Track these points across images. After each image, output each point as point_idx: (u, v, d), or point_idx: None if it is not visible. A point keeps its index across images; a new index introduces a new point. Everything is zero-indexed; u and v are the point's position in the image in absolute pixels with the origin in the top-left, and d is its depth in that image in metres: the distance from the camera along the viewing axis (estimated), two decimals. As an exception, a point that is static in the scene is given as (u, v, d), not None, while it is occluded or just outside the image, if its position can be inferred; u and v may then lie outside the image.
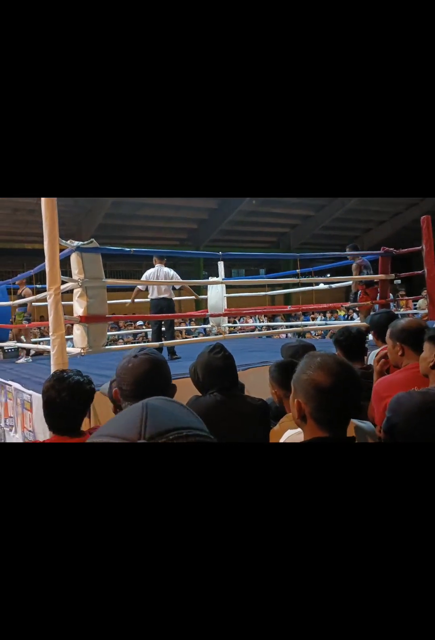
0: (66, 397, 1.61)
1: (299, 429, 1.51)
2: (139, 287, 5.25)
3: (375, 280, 5.47)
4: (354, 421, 1.58)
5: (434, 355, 1.65)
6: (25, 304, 5.93)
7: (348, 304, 5.45)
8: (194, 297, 6.16)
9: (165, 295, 5.03)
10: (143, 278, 5.12)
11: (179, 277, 5.20)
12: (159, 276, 5.01)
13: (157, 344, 4.72)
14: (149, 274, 5.09)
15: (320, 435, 1.12)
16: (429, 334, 1.75)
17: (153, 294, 5.06)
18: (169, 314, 5.04)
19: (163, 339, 5.06)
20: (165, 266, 5.11)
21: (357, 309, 5.60)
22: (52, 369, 2.98)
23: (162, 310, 4.98)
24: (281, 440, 1.52)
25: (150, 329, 5.33)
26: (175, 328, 6.43)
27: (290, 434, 1.50)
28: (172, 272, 5.12)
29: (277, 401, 1.89)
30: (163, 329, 5.23)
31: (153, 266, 5.14)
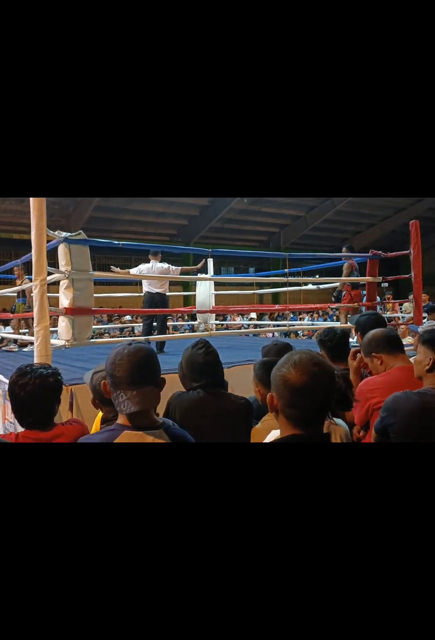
0: (31, 392, 1.59)
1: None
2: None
3: (361, 283, 5.52)
4: (336, 421, 1.58)
5: (429, 359, 1.67)
6: (24, 295, 5.88)
7: (335, 305, 5.47)
8: (194, 268, 5.98)
9: (160, 290, 5.09)
10: (136, 271, 5.15)
11: (173, 268, 5.25)
12: (154, 272, 5.06)
13: (142, 338, 4.73)
14: (142, 268, 5.14)
15: (295, 432, 1.13)
16: (424, 337, 1.76)
17: (146, 288, 5.11)
18: (157, 309, 5.04)
19: (153, 333, 5.09)
20: (159, 262, 5.16)
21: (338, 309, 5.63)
22: (35, 361, 2.96)
23: (155, 305, 5.02)
24: (267, 440, 1.51)
25: (137, 324, 5.29)
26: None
27: (276, 433, 1.50)
28: (166, 265, 5.18)
29: (261, 400, 1.89)
30: (154, 323, 5.25)
31: (147, 262, 5.18)
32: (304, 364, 1.13)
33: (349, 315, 5.76)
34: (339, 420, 1.60)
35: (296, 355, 1.16)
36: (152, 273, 5.05)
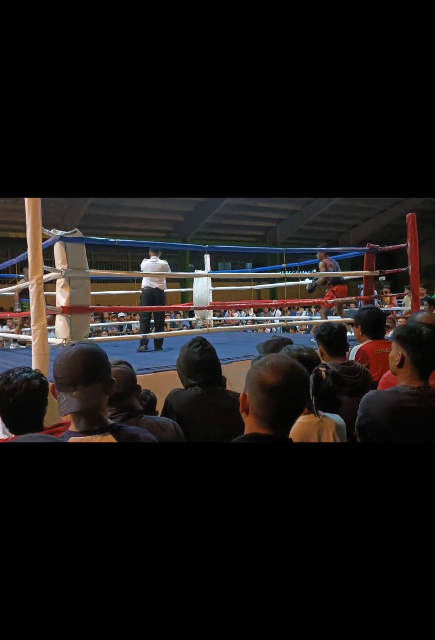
0: (18, 397, 1.55)
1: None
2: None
3: (344, 278, 5.56)
4: (328, 415, 1.58)
5: (399, 354, 1.65)
6: None
7: (332, 300, 5.46)
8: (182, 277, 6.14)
9: (158, 286, 5.12)
10: (141, 268, 5.25)
11: (170, 270, 5.36)
12: (155, 269, 5.11)
13: (140, 335, 4.73)
14: (144, 265, 5.22)
15: (260, 432, 1.16)
16: (396, 332, 1.74)
17: (146, 283, 5.15)
18: (155, 306, 5.04)
19: (151, 330, 5.10)
20: (160, 259, 5.24)
21: (318, 305, 5.66)
22: (33, 360, 2.95)
23: (154, 300, 5.06)
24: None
25: (135, 321, 5.29)
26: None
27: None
28: (165, 263, 5.25)
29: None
30: (152, 320, 5.27)
31: (148, 258, 5.25)
32: (279, 364, 1.17)
33: (344, 310, 5.77)
34: (331, 415, 1.60)
35: (273, 357, 1.21)
36: (154, 269, 5.11)
